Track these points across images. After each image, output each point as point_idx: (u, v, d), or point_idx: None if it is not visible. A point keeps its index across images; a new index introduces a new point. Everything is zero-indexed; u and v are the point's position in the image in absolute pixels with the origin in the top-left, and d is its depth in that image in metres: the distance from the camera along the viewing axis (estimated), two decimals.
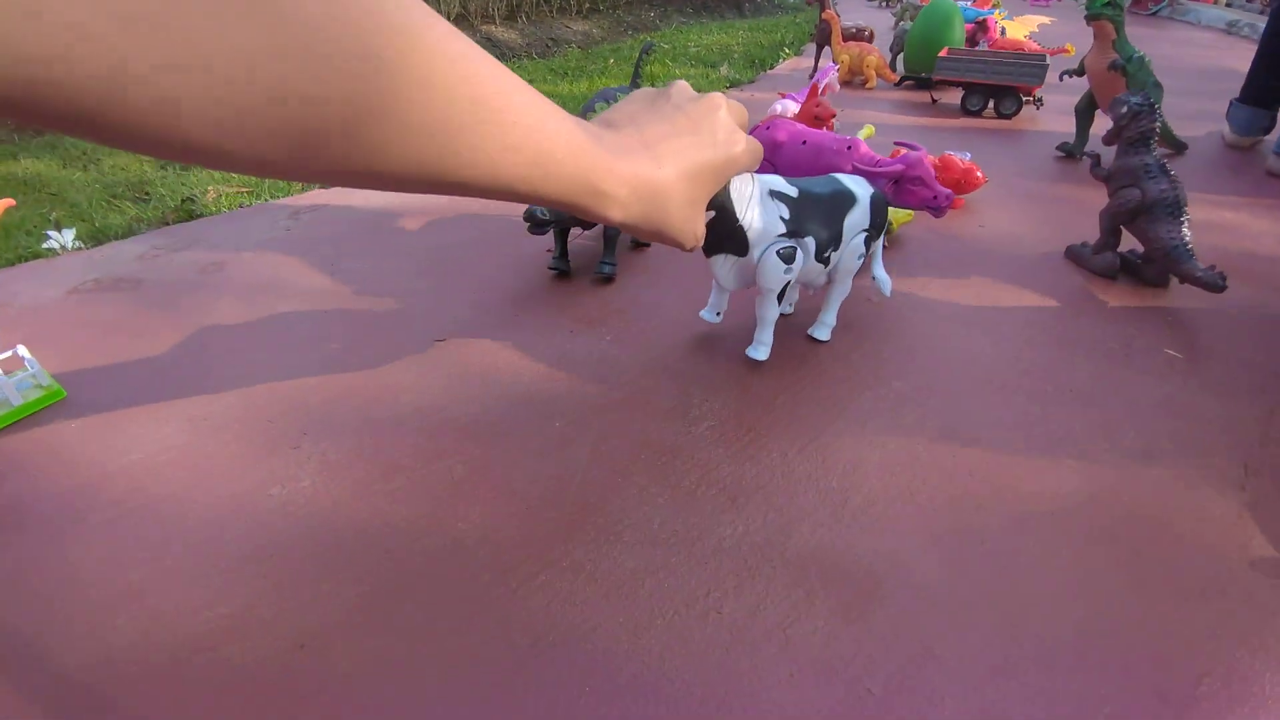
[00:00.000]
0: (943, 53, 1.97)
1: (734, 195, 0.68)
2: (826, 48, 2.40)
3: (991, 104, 1.98)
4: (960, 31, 2.19)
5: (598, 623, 0.50)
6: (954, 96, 2.13)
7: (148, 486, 0.63)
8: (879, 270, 0.86)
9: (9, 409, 0.73)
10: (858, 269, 0.81)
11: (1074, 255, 1.09)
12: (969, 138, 1.76)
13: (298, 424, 0.70)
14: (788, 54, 3.16)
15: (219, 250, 1.12)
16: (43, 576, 0.54)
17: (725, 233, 0.70)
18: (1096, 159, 1.06)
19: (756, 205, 0.69)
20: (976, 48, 2.29)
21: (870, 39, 2.46)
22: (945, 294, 0.98)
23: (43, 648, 0.48)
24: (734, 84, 2.49)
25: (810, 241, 0.74)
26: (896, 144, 0.99)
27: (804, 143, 1.01)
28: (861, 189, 0.79)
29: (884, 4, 5.35)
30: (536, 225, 0.87)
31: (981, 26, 2.39)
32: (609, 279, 1.01)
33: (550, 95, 2.23)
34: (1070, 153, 1.58)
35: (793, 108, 1.37)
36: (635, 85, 1.55)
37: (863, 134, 1.30)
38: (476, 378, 0.78)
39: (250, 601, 0.51)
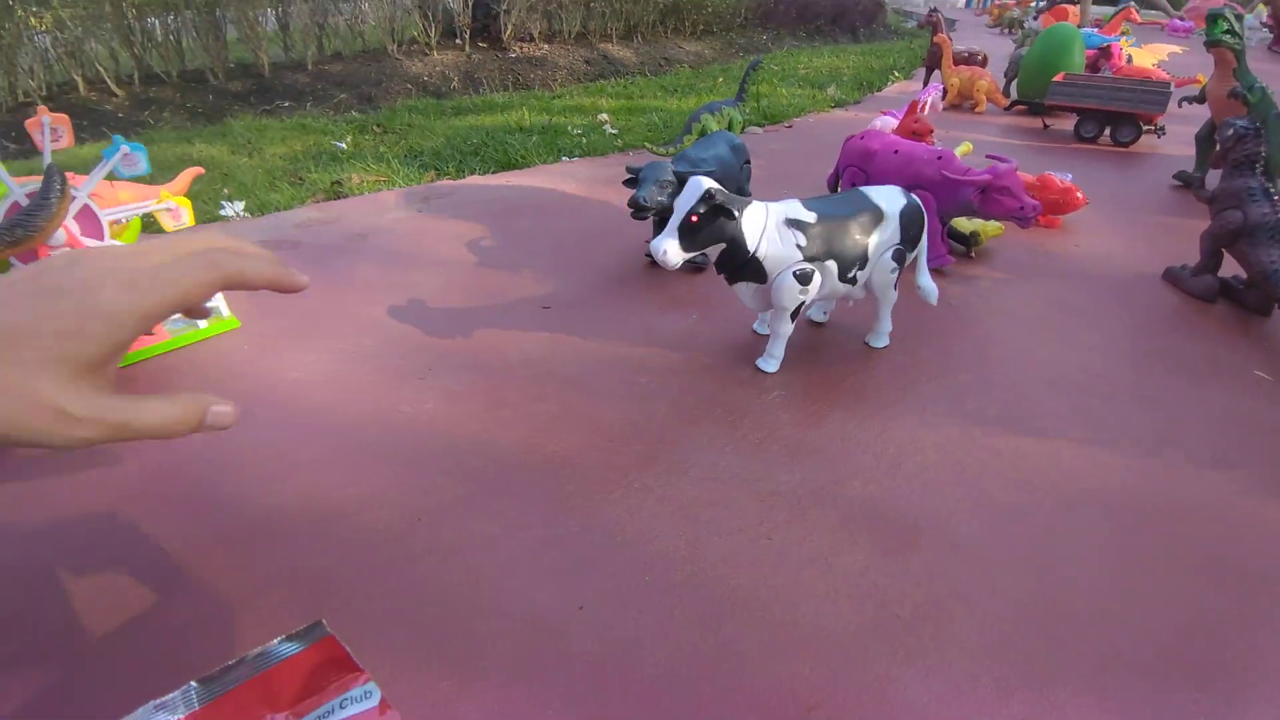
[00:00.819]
0: (1058, 78, 1.94)
1: (745, 228, 0.71)
2: (936, 71, 2.41)
3: (1108, 132, 1.93)
4: (1080, 57, 2.14)
5: (661, 532, 0.58)
6: (1068, 123, 2.09)
7: (303, 396, 0.76)
8: (924, 279, 0.85)
9: (194, 330, 0.89)
10: (895, 281, 0.81)
11: (1172, 277, 1.08)
12: (1078, 162, 1.73)
13: (424, 361, 0.83)
14: (897, 77, 3.16)
15: (362, 223, 1.29)
16: (227, 453, 0.67)
17: (740, 263, 0.73)
18: (1201, 181, 1.05)
19: (771, 235, 0.72)
20: (1099, 74, 2.23)
21: (984, 63, 2.44)
22: (1027, 303, 1.00)
23: (226, 503, 0.61)
24: (839, 104, 2.54)
25: (832, 265, 0.75)
26: (988, 157, 1.02)
27: (895, 152, 1.06)
28: (891, 204, 0.77)
29: (1004, 30, 5.20)
30: (639, 211, 0.96)
31: (1105, 53, 2.33)
32: (700, 268, 1.09)
33: (658, 110, 2.37)
34: (1188, 182, 1.53)
35: (892, 123, 1.41)
36: (741, 100, 1.63)
37: (959, 151, 1.32)
38: (575, 339, 0.88)
39: (379, 484, 0.63)
